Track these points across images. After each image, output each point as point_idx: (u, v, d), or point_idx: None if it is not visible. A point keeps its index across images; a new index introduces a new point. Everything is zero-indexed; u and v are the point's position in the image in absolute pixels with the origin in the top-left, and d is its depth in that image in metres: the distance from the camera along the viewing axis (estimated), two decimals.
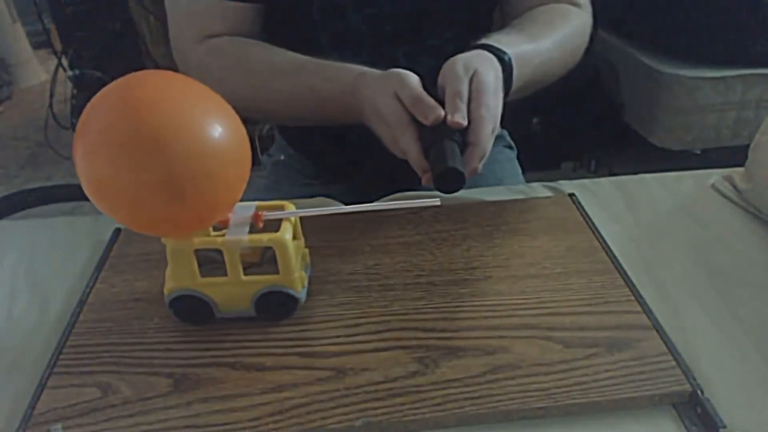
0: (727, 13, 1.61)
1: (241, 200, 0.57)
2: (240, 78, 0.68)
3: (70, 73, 2.13)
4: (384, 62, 0.62)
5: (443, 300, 0.54)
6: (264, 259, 0.55)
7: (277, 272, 0.51)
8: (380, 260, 0.59)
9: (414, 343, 0.50)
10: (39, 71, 3.07)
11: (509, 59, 0.60)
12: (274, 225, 0.51)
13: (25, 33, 2.95)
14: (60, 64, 2.13)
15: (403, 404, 0.45)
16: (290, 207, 0.54)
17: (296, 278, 0.52)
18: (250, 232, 0.50)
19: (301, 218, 0.55)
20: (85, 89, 2.16)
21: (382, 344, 0.50)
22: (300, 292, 0.53)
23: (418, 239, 0.62)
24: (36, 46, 3.03)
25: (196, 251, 0.50)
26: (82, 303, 0.56)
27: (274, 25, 0.75)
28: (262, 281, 0.51)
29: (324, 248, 0.61)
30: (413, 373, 0.47)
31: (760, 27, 1.59)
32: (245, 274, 0.51)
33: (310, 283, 0.56)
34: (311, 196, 0.74)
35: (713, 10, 1.62)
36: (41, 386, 0.48)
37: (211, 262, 0.52)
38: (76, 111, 2.21)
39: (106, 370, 0.49)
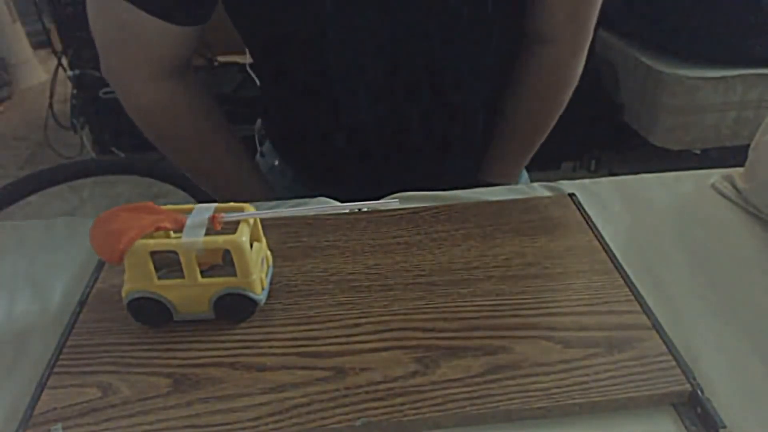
0: (727, 13, 1.61)
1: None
2: (172, 142, 0.75)
3: (70, 73, 2.13)
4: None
5: (443, 300, 0.54)
6: (226, 261, 0.54)
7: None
8: (380, 260, 0.59)
9: (414, 343, 0.50)
10: (39, 71, 3.07)
11: None
12: (235, 227, 0.50)
13: (25, 33, 2.96)
14: (60, 64, 2.14)
15: (403, 404, 0.45)
16: (249, 209, 0.53)
17: (254, 280, 0.51)
18: (213, 233, 0.50)
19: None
20: (85, 89, 2.16)
21: (382, 344, 0.50)
22: (260, 294, 0.52)
23: (418, 239, 0.62)
24: (36, 46, 3.03)
25: (154, 253, 0.49)
26: (82, 303, 0.55)
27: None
28: (220, 283, 0.51)
29: (325, 248, 0.61)
30: (413, 373, 0.47)
31: (760, 27, 1.59)
32: (209, 276, 0.51)
33: (311, 283, 0.56)
34: (305, 196, 0.73)
35: (713, 10, 1.62)
36: (41, 386, 0.48)
37: (174, 264, 0.51)
38: (76, 111, 2.21)
39: (106, 370, 0.49)
